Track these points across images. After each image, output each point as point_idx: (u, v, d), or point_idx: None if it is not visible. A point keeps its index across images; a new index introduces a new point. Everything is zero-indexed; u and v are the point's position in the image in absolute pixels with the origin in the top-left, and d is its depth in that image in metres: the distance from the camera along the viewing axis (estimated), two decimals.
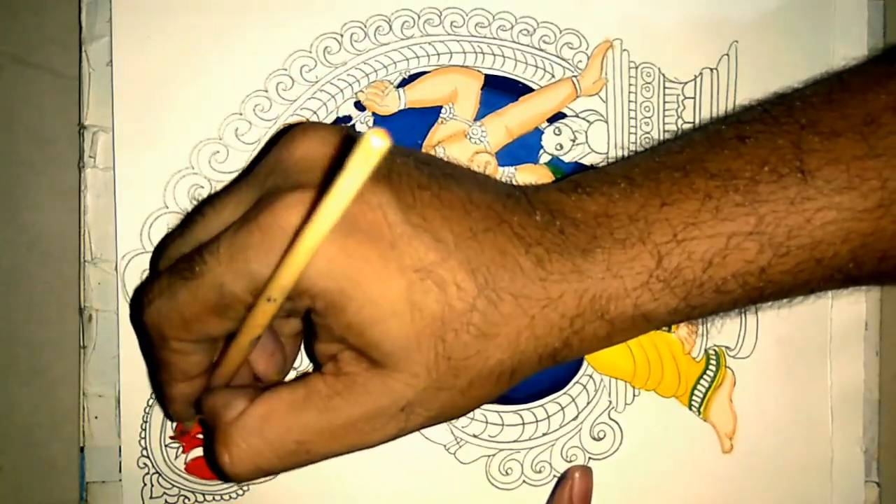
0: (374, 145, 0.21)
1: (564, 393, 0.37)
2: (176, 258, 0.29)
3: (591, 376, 0.37)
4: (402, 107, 0.36)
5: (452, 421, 0.36)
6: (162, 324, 0.28)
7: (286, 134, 0.28)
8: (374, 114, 0.36)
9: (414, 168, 0.28)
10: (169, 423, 0.35)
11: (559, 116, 0.36)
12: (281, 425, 0.27)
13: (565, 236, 0.28)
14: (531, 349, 0.28)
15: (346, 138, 0.27)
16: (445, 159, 0.31)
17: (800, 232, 0.28)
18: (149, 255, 0.35)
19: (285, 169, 0.27)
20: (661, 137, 0.37)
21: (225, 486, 0.36)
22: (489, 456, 0.36)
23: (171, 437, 0.35)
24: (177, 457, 0.36)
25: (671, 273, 0.28)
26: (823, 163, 0.28)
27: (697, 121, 0.37)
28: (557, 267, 0.27)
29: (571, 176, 0.30)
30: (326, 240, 0.24)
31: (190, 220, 0.29)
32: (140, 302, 0.29)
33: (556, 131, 0.36)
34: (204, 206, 0.29)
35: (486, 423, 0.36)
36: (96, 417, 0.35)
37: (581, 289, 0.28)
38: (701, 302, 0.29)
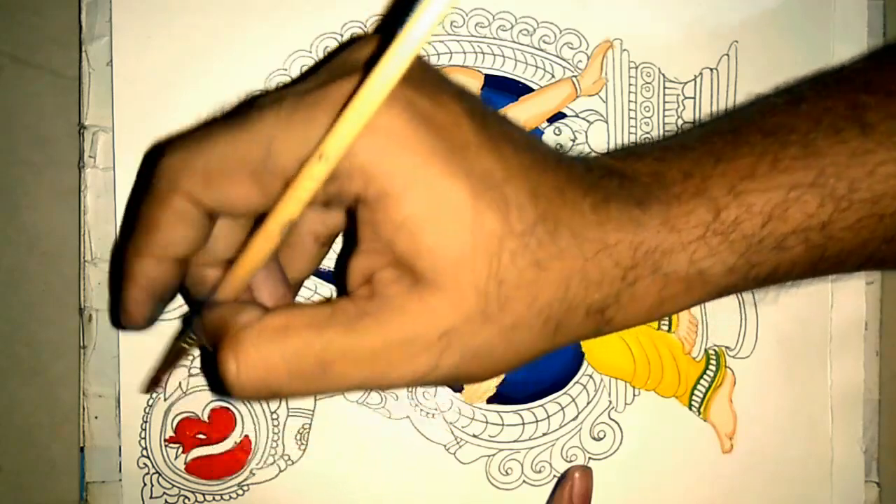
0: None
1: (564, 393, 0.37)
2: None
3: (591, 376, 0.37)
4: None
5: (452, 420, 0.36)
6: (180, 171, 0.25)
7: (350, 44, 0.26)
8: None
9: (481, 99, 0.27)
10: (168, 424, 0.35)
11: (559, 116, 0.36)
12: (300, 340, 0.24)
13: (622, 188, 0.27)
14: (580, 297, 0.26)
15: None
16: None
17: (861, 185, 0.27)
18: None
19: (352, 64, 0.25)
20: (662, 137, 0.37)
21: (225, 486, 0.36)
22: (489, 456, 0.36)
23: (167, 441, 0.35)
24: (177, 457, 0.36)
25: (729, 226, 0.27)
26: (882, 117, 0.27)
27: (697, 121, 0.37)
28: (615, 214, 0.26)
29: (622, 147, 0.29)
30: (395, 118, 0.23)
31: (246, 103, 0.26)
32: (162, 149, 0.25)
33: (557, 131, 0.36)
34: (259, 96, 0.26)
35: (486, 423, 0.36)
36: (96, 417, 0.35)
37: (637, 240, 0.26)
38: (760, 259, 0.27)
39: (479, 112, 0.26)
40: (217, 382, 0.25)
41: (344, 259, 0.28)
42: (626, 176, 0.27)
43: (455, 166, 0.24)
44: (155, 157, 0.26)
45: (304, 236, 0.29)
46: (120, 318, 0.28)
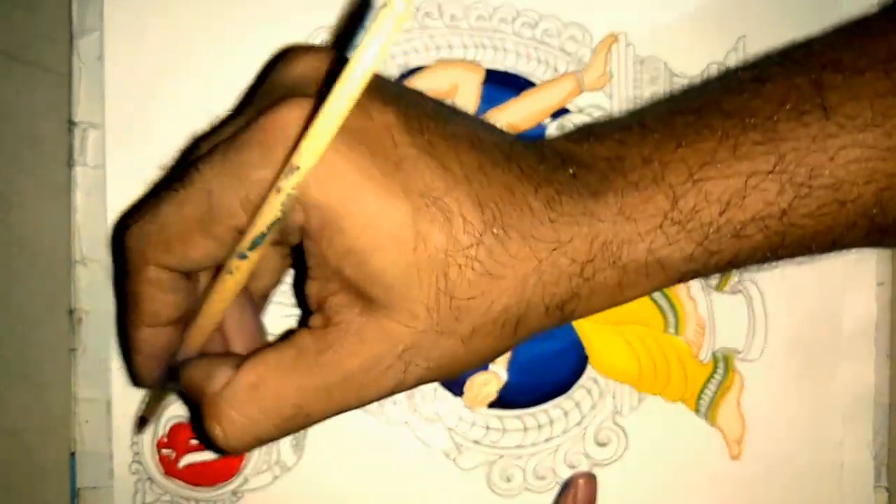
0: (399, 8, 0.20)
1: (567, 397, 0.36)
2: None
3: (595, 380, 0.36)
4: None
5: (452, 426, 0.36)
6: (142, 243, 0.26)
7: (282, 57, 0.27)
8: None
9: (423, 99, 0.27)
10: (161, 429, 0.35)
11: (562, 112, 0.36)
12: (273, 391, 0.26)
13: (576, 178, 0.27)
14: (538, 296, 0.26)
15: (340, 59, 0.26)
16: (451, 103, 0.31)
17: (822, 171, 0.27)
18: None
19: (284, 85, 0.26)
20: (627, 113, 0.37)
21: (218, 492, 0.35)
22: (490, 462, 0.36)
23: (159, 446, 0.35)
24: (169, 462, 0.35)
25: (687, 215, 0.27)
26: (846, 99, 0.27)
27: None
28: (568, 209, 0.26)
29: (583, 126, 0.30)
30: (328, 146, 0.23)
31: (186, 152, 0.28)
32: (125, 224, 0.27)
33: (560, 128, 0.36)
34: (199, 140, 0.27)
35: (487, 428, 0.36)
36: (87, 422, 0.35)
37: (592, 233, 0.26)
38: (719, 247, 0.27)
39: (414, 116, 0.26)
40: (207, 439, 0.27)
41: (299, 281, 0.29)
42: (582, 163, 0.27)
43: (392, 185, 0.24)
44: (120, 231, 0.27)
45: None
46: (134, 382, 0.30)
